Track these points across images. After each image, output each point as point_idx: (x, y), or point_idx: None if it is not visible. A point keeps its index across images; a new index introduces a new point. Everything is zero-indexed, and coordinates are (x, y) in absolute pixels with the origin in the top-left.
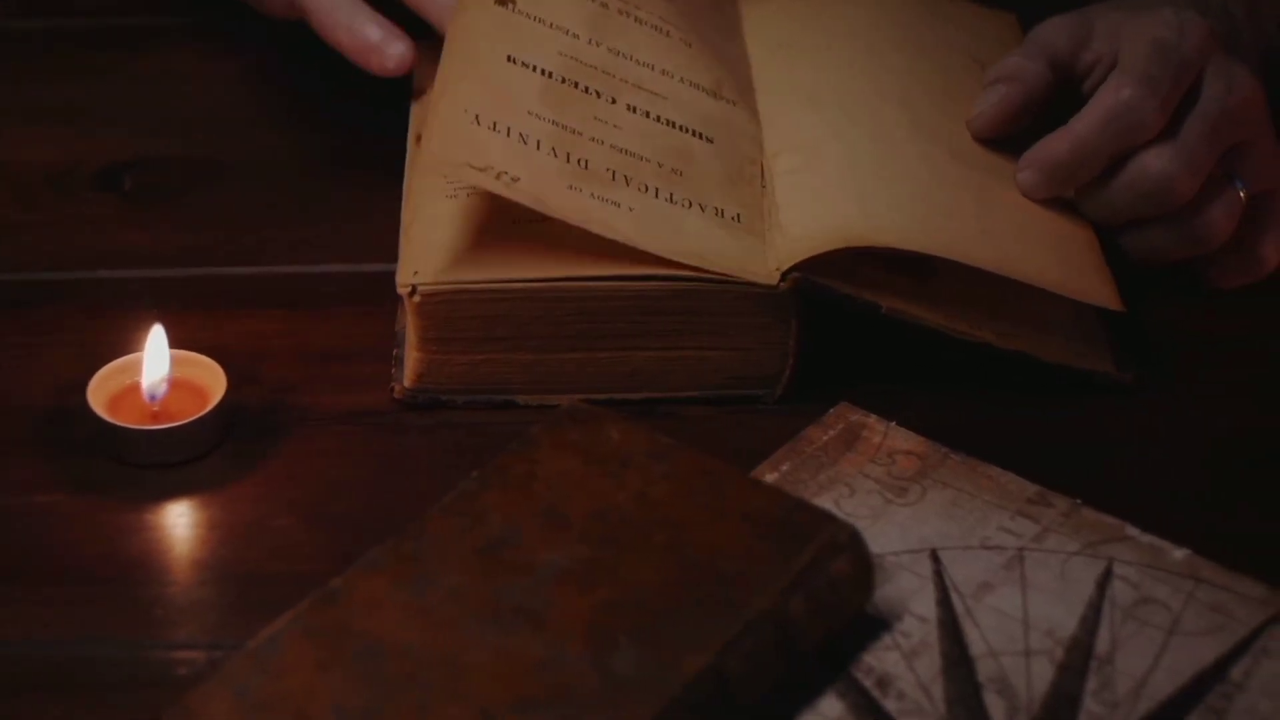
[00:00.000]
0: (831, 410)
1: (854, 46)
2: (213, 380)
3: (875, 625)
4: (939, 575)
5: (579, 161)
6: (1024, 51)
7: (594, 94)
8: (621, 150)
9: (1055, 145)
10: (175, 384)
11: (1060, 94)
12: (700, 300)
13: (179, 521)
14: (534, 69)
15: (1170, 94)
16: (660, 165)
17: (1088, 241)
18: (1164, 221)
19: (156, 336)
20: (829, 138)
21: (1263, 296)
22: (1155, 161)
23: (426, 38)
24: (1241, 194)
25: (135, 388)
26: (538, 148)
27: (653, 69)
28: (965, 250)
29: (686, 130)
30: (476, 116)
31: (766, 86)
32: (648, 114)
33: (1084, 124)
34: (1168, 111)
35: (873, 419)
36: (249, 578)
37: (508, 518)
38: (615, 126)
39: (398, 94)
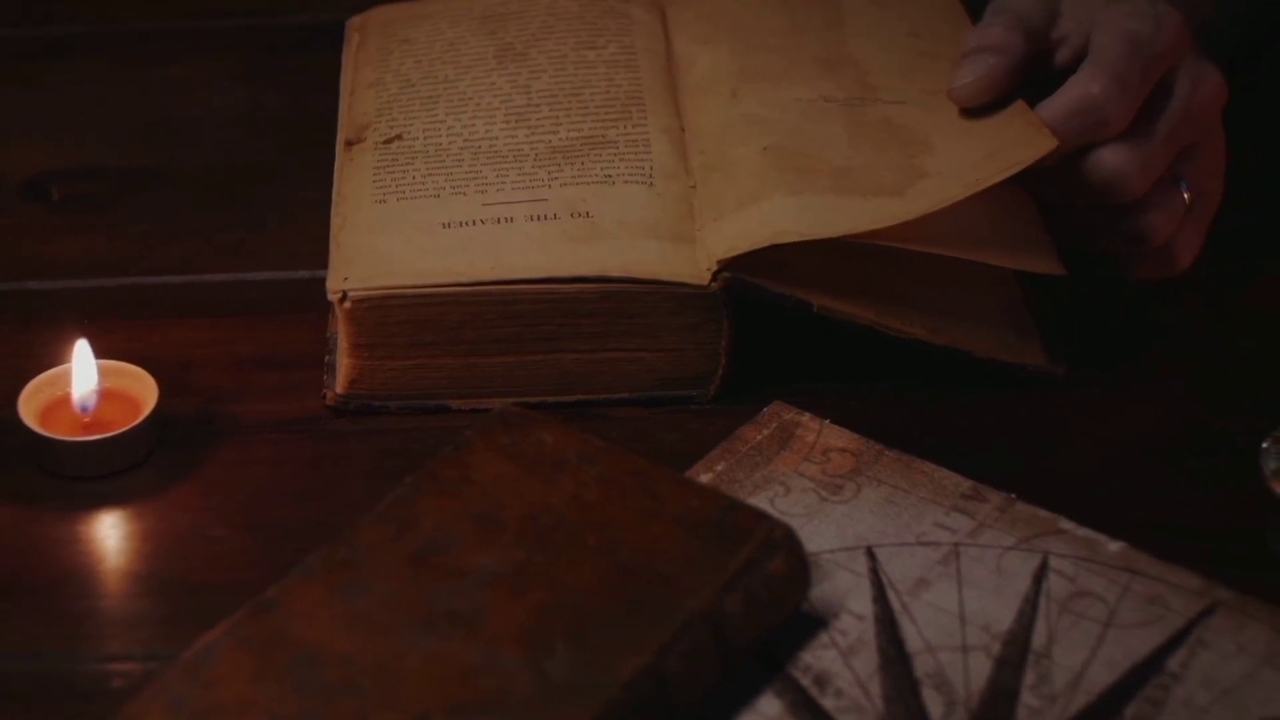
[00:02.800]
0: (765, 409)
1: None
2: (144, 390)
3: (812, 624)
4: (875, 572)
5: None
6: (1003, 22)
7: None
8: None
9: None
10: (106, 395)
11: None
12: (630, 302)
13: (112, 532)
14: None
15: (1138, 93)
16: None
17: (1025, 208)
18: (1106, 213)
19: (82, 351)
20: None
21: (1190, 289)
22: (1113, 158)
23: None
24: (1185, 196)
25: (66, 399)
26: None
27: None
28: (898, 231)
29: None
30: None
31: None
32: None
33: (1049, 114)
34: (1134, 110)
35: (806, 417)
36: (184, 588)
37: (441, 523)
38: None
39: (324, 99)
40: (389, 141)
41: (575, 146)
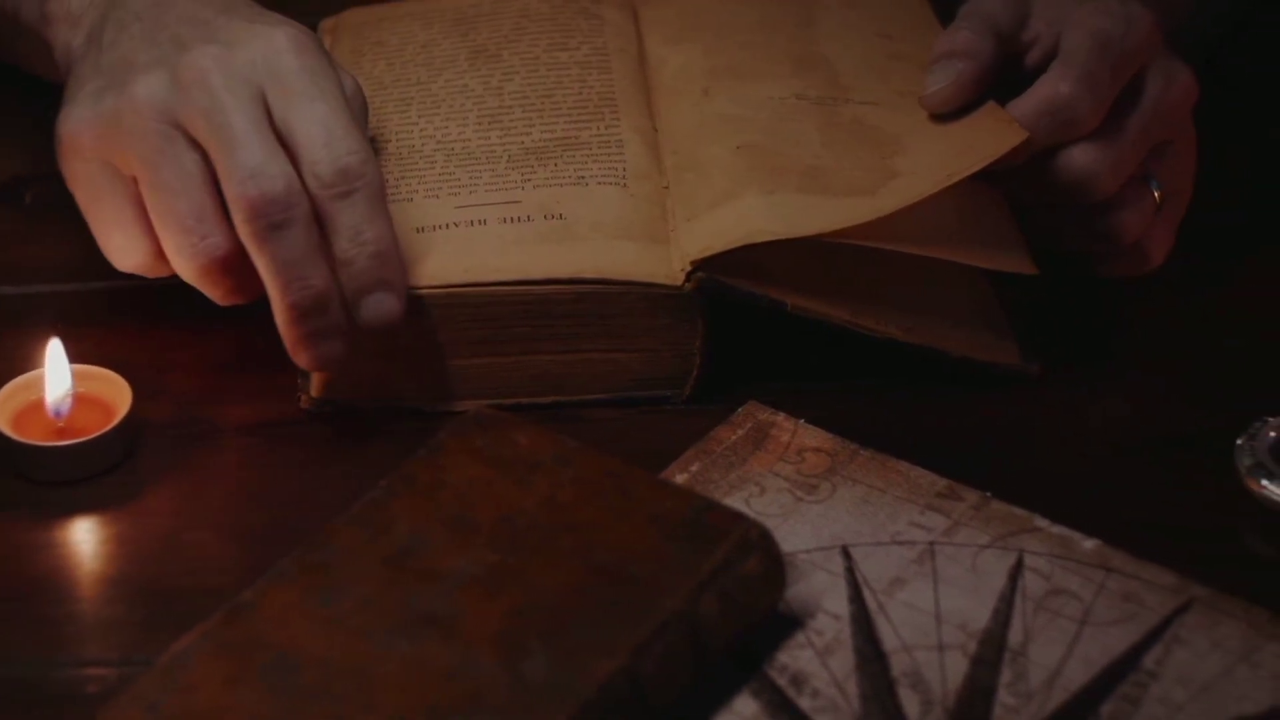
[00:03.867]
0: (740, 409)
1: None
2: (118, 395)
3: (788, 624)
4: (851, 572)
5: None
6: (972, 26)
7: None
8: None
9: None
10: (80, 399)
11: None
12: (604, 303)
13: (87, 538)
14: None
15: (1109, 92)
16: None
17: (996, 207)
18: (1077, 213)
19: (54, 350)
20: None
21: (1163, 287)
22: (1082, 157)
23: None
24: (1156, 195)
25: (39, 404)
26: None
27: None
28: (872, 231)
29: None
30: None
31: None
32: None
33: (1019, 114)
34: (1104, 109)
35: (781, 417)
36: (159, 592)
37: (416, 526)
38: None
39: None
40: None
41: (548, 148)
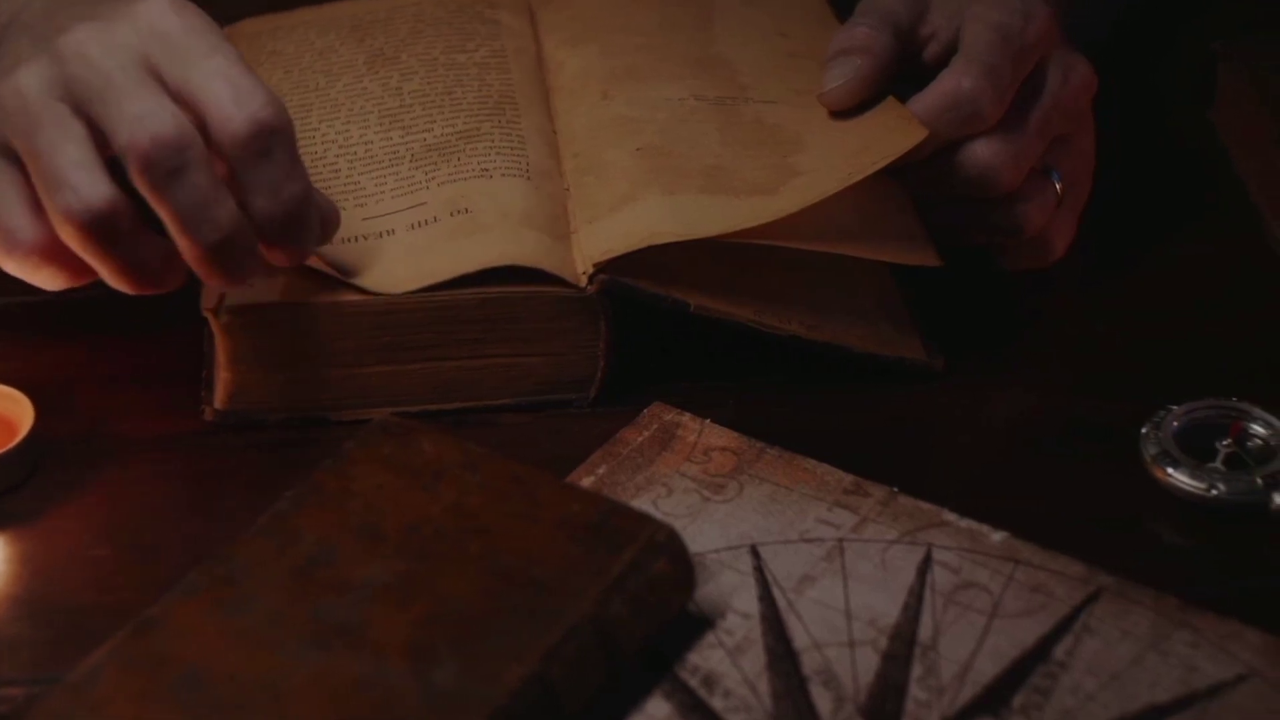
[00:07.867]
0: (645, 410)
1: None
2: (19, 412)
3: (698, 624)
4: (760, 570)
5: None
6: (869, 22)
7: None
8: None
9: None
10: None
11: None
12: (507, 308)
13: None
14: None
15: (1010, 86)
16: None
17: (899, 201)
18: (979, 206)
19: None
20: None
21: (1066, 278)
22: (984, 151)
23: None
24: (1057, 186)
25: None
26: None
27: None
28: (773, 230)
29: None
30: None
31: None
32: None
33: (921, 109)
34: (1006, 103)
35: (687, 417)
36: (67, 610)
37: (323, 536)
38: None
39: None
40: None
41: (450, 142)
